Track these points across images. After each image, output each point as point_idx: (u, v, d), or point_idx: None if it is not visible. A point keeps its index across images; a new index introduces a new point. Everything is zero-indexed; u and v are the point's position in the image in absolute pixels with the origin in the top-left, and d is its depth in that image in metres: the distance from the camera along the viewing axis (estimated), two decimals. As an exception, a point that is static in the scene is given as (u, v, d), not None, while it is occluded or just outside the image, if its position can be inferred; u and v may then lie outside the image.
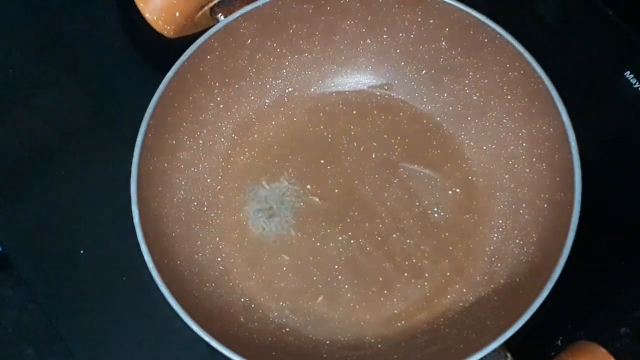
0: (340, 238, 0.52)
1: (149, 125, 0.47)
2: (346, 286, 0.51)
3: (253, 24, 0.52)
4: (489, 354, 0.42)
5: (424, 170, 0.54)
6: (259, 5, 0.51)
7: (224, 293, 0.49)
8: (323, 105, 0.57)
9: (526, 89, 0.50)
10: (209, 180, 0.54)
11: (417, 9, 0.52)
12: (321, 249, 0.52)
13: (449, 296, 0.50)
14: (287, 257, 0.52)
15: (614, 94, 0.59)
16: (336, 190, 0.54)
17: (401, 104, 0.56)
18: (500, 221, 0.52)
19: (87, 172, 0.56)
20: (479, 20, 0.50)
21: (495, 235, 0.52)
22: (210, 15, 0.54)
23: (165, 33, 0.54)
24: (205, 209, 0.53)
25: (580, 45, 0.61)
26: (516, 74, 0.50)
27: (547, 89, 0.48)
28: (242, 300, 0.50)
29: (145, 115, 0.47)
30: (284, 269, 0.51)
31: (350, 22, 0.54)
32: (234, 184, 0.54)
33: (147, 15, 0.53)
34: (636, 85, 0.58)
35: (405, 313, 0.50)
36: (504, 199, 0.52)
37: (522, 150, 0.52)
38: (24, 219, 0.55)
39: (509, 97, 0.52)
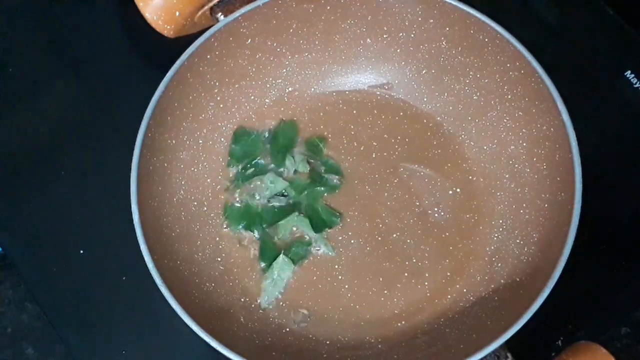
0: (340, 238, 0.52)
1: (149, 125, 0.47)
2: (346, 286, 0.51)
3: (253, 24, 0.52)
4: (489, 354, 0.42)
5: (424, 170, 0.54)
6: (259, 5, 0.51)
7: (224, 293, 0.49)
8: (323, 105, 0.57)
9: (526, 89, 0.50)
10: (209, 180, 0.54)
11: (417, 9, 0.52)
12: (321, 248, 0.52)
13: (449, 296, 0.50)
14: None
15: (615, 93, 0.59)
16: (337, 190, 0.54)
17: (401, 104, 0.56)
18: (501, 221, 0.52)
19: (87, 172, 0.56)
20: (479, 19, 0.50)
21: (496, 235, 0.51)
22: (210, 15, 0.54)
23: (165, 33, 0.54)
24: (205, 209, 0.53)
25: (581, 45, 0.61)
26: (516, 73, 0.50)
27: (547, 89, 0.48)
28: (242, 300, 0.50)
29: (145, 115, 0.47)
30: (284, 268, 0.51)
31: (350, 22, 0.54)
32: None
33: (147, 15, 0.53)
34: (636, 85, 0.58)
35: (405, 313, 0.50)
36: (504, 199, 0.52)
37: (522, 150, 0.52)
38: (24, 219, 0.55)
39: (509, 96, 0.52)
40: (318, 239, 0.51)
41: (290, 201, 0.53)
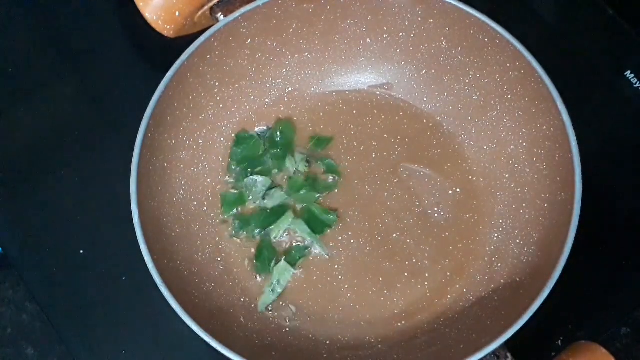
0: (340, 238, 0.52)
1: (149, 125, 0.47)
2: (346, 286, 0.51)
3: (253, 24, 0.52)
4: (489, 354, 0.42)
5: (424, 170, 0.54)
6: (259, 5, 0.51)
7: (224, 293, 0.49)
8: (323, 105, 0.57)
9: (526, 89, 0.50)
10: (209, 180, 0.54)
11: (417, 9, 0.52)
12: (321, 248, 0.52)
13: (449, 296, 0.50)
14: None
15: (615, 93, 0.59)
16: (336, 190, 0.54)
17: (401, 104, 0.56)
18: (501, 221, 0.52)
19: (87, 172, 0.56)
20: (479, 20, 0.50)
21: (496, 235, 0.51)
22: (210, 15, 0.54)
23: (165, 33, 0.54)
24: (205, 208, 0.53)
25: (581, 45, 0.61)
26: (516, 73, 0.50)
27: (547, 89, 0.48)
28: (242, 300, 0.50)
29: (145, 115, 0.47)
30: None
31: (350, 22, 0.54)
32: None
33: (147, 15, 0.53)
34: (636, 85, 0.58)
35: (405, 313, 0.50)
36: (504, 199, 0.52)
37: (522, 150, 0.52)
38: (24, 219, 0.55)
39: (509, 96, 0.52)
40: (314, 241, 0.51)
41: (286, 200, 0.53)
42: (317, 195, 0.53)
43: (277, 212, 0.52)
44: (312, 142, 0.55)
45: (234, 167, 0.54)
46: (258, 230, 0.52)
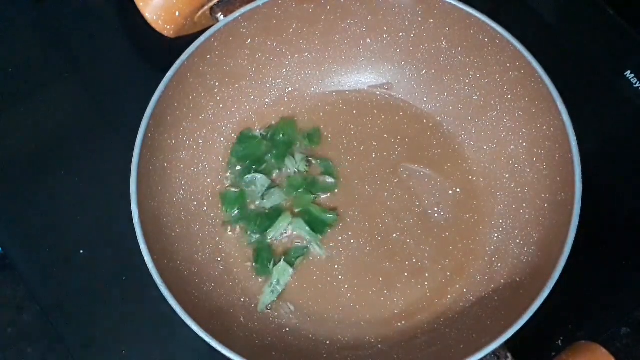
0: (340, 238, 0.52)
1: (149, 125, 0.47)
2: (346, 286, 0.51)
3: (253, 24, 0.52)
4: (489, 354, 0.42)
5: (424, 170, 0.54)
6: (259, 5, 0.51)
7: (224, 293, 0.49)
8: (323, 105, 0.57)
9: (527, 89, 0.50)
10: (209, 180, 0.54)
11: (417, 9, 0.52)
12: (321, 248, 0.52)
13: (449, 296, 0.50)
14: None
15: (615, 93, 0.59)
16: (336, 190, 0.54)
17: (401, 104, 0.56)
18: (501, 221, 0.52)
19: (87, 172, 0.56)
20: (479, 20, 0.50)
21: (496, 235, 0.51)
22: (210, 15, 0.54)
23: (165, 33, 0.54)
24: (205, 208, 0.53)
25: (581, 45, 0.61)
26: (516, 73, 0.50)
27: (547, 89, 0.48)
28: (242, 300, 0.50)
29: (145, 115, 0.47)
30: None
31: (350, 22, 0.54)
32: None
33: (147, 15, 0.53)
34: (637, 85, 0.58)
35: (405, 313, 0.50)
36: (504, 199, 0.52)
37: (522, 150, 0.52)
38: (24, 219, 0.55)
39: (509, 96, 0.52)
40: (312, 241, 0.51)
41: (285, 200, 0.53)
42: (314, 197, 0.53)
43: (274, 216, 0.52)
44: (306, 140, 0.55)
45: (234, 162, 0.54)
46: (256, 232, 0.52)
